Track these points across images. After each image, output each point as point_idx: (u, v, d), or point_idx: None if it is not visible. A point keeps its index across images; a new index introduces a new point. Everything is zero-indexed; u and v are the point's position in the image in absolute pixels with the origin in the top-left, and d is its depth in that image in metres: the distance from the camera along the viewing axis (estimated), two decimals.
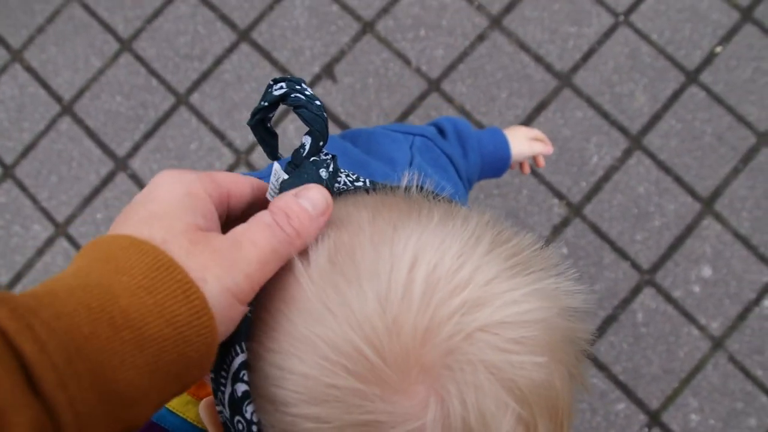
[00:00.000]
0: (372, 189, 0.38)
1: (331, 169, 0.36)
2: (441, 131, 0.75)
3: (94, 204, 1.37)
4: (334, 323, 0.29)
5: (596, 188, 1.34)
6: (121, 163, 1.38)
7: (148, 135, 1.38)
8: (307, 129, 0.36)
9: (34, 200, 1.38)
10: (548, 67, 1.38)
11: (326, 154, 0.36)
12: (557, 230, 1.34)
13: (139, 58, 1.40)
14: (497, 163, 0.86)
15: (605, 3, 1.39)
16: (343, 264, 0.31)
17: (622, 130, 1.34)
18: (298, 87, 0.36)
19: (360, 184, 0.38)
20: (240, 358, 0.32)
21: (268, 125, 0.37)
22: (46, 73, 1.40)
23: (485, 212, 0.35)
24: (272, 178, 0.36)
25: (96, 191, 1.38)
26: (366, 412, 0.29)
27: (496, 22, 1.39)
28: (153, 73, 1.39)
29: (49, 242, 1.37)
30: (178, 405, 0.46)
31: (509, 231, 0.34)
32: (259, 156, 1.37)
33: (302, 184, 0.34)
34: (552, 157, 1.35)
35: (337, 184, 0.37)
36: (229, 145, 1.37)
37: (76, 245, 1.36)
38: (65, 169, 1.39)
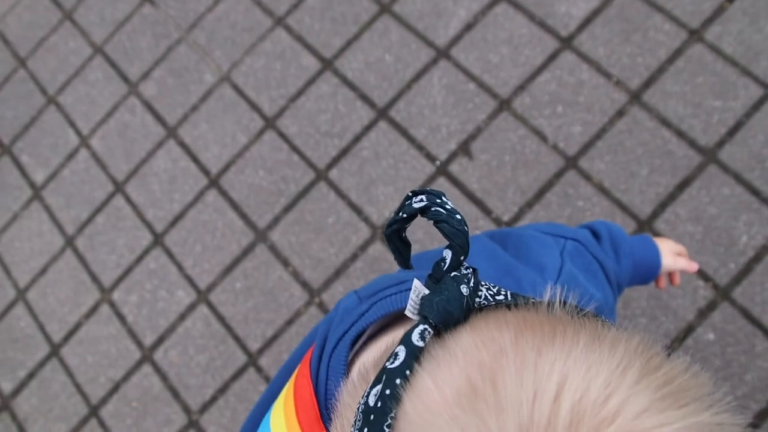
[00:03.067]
0: (513, 304, 0.37)
1: (471, 284, 0.36)
2: (595, 234, 0.76)
3: (234, 273, 1.43)
4: None
5: (746, 270, 1.27)
6: (261, 235, 1.44)
7: (287, 208, 1.44)
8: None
9: (180, 267, 1.46)
10: (691, 143, 1.33)
11: (467, 268, 0.37)
12: (703, 314, 1.27)
13: (282, 135, 1.47)
14: (646, 271, 0.86)
15: (753, 74, 1.34)
16: (484, 389, 0.30)
17: None
18: (438, 200, 0.36)
19: (501, 297, 0.38)
20: None
21: (403, 235, 0.38)
22: (197, 148, 1.50)
23: (634, 336, 0.33)
24: (412, 294, 0.36)
25: (236, 261, 1.44)
26: None
27: (635, 97, 1.37)
28: (294, 149, 1.46)
29: (191, 308, 1.44)
30: None
31: (660, 357, 0.33)
32: None
33: (443, 300, 0.35)
34: (697, 237, 1.29)
35: (477, 299, 0.37)
36: (366, 219, 1.40)
37: (216, 312, 1.42)
38: (209, 238, 1.46)
